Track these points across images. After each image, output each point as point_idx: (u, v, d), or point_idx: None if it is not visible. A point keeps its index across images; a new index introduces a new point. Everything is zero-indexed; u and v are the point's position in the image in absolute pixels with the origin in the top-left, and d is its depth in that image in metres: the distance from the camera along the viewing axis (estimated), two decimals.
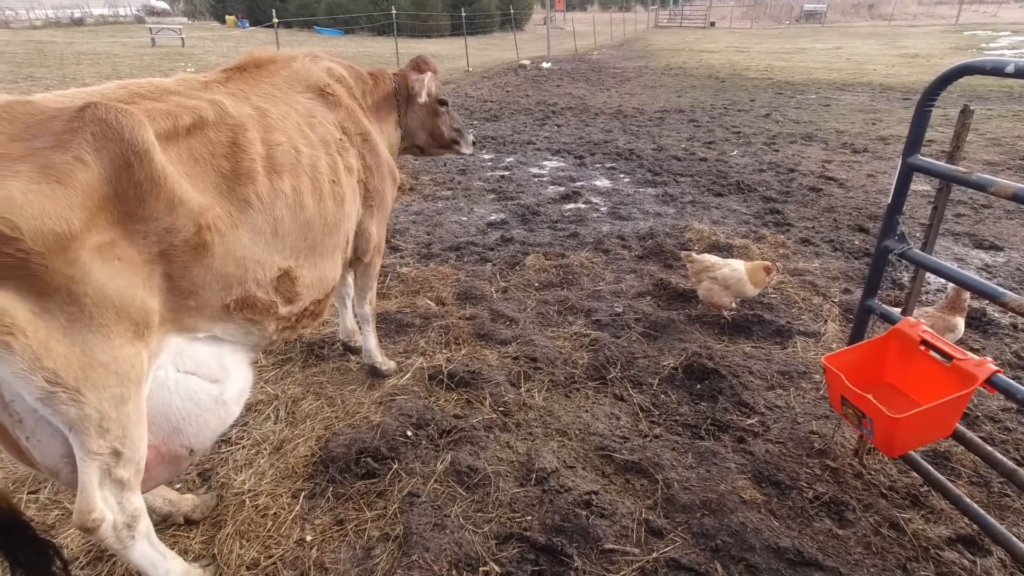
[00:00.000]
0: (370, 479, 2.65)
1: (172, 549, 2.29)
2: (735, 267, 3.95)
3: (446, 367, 3.37)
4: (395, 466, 2.70)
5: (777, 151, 9.01)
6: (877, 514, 2.48)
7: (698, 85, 16.58)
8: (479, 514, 2.47)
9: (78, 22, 28.91)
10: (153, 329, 1.79)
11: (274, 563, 2.29)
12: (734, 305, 4.09)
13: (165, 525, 2.42)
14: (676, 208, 6.60)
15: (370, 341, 3.37)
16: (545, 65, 20.70)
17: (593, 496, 2.53)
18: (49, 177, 1.53)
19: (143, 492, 1.89)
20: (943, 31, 33.49)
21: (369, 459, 2.71)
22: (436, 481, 2.63)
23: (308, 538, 2.39)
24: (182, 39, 21.27)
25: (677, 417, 3.12)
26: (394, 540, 2.36)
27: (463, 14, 20.83)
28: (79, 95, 1.78)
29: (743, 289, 3.91)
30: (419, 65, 3.26)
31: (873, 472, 2.72)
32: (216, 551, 2.33)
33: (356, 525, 2.44)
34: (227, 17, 34.30)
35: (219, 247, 1.91)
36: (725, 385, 3.31)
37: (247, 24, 32.55)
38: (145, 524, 1.88)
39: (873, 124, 10.81)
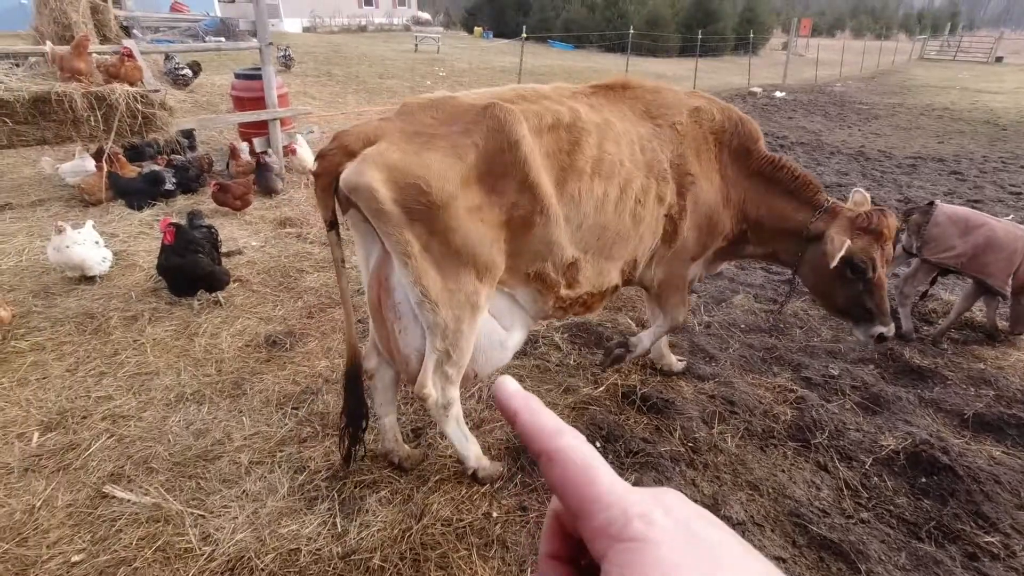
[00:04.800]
0: None
1: (385, 489, 2.72)
2: None
3: (640, 389, 3.41)
4: None
5: None
6: None
7: (968, 131, 14.10)
8: None
9: (363, 29, 34.67)
10: (494, 275, 2.33)
11: (464, 526, 2.56)
12: None
13: (384, 460, 2.86)
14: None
15: (660, 348, 3.52)
16: (778, 94, 19.31)
17: (781, 563, 2.38)
18: (454, 154, 2.14)
19: None
20: None
21: None
22: None
23: (494, 514, 2.63)
24: (438, 46, 24.16)
25: (891, 507, 2.77)
26: None
27: (699, 35, 20.36)
28: (484, 95, 2.36)
29: None
30: (869, 220, 2.79)
31: None
32: (421, 500, 2.68)
33: (537, 516, 2.62)
34: (475, 29, 38.03)
35: (539, 228, 2.35)
36: (960, 488, 2.85)
37: (491, 36, 35.74)
38: (456, 410, 2.55)
39: None
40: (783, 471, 2.95)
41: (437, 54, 22.63)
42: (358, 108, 12.25)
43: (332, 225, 2.32)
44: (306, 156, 6.95)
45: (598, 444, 2.99)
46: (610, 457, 2.92)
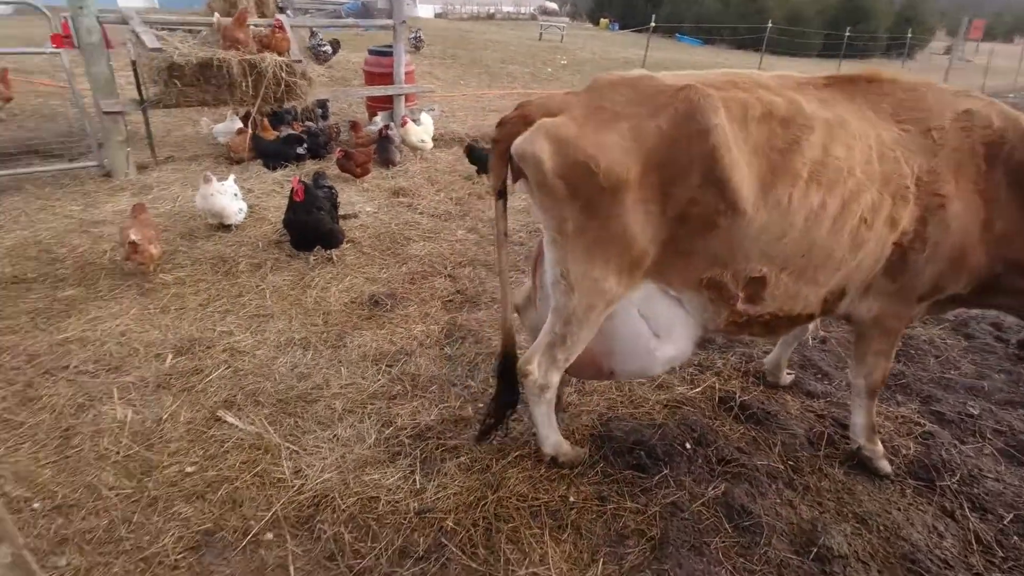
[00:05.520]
0: (639, 472, 2.69)
1: (465, 456, 2.73)
2: None
3: (739, 396, 3.18)
4: (666, 471, 2.69)
5: None
6: None
7: None
8: (742, 559, 2.31)
9: (491, 16, 35.34)
10: (640, 271, 2.19)
11: (539, 505, 2.52)
12: None
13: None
14: None
15: (858, 417, 2.77)
16: None
17: None
18: (633, 136, 2.00)
19: (571, 373, 2.52)
20: None
21: (643, 453, 2.76)
22: (704, 504, 2.53)
23: (571, 499, 2.56)
24: (562, 35, 24.06)
25: None
26: (648, 540, 2.37)
27: (846, 33, 18.63)
28: (687, 77, 2.15)
29: None
30: None
31: None
32: (499, 472, 2.67)
33: (615, 508, 2.52)
34: (601, 19, 37.42)
35: (723, 231, 2.10)
36: None
37: (617, 27, 34.99)
38: (551, 395, 2.47)
39: None
40: (899, 509, 2.63)
41: (560, 43, 22.53)
42: (478, 91, 12.50)
43: (501, 194, 2.28)
44: (419, 132, 7.16)
45: (688, 446, 2.82)
46: (699, 462, 2.75)
